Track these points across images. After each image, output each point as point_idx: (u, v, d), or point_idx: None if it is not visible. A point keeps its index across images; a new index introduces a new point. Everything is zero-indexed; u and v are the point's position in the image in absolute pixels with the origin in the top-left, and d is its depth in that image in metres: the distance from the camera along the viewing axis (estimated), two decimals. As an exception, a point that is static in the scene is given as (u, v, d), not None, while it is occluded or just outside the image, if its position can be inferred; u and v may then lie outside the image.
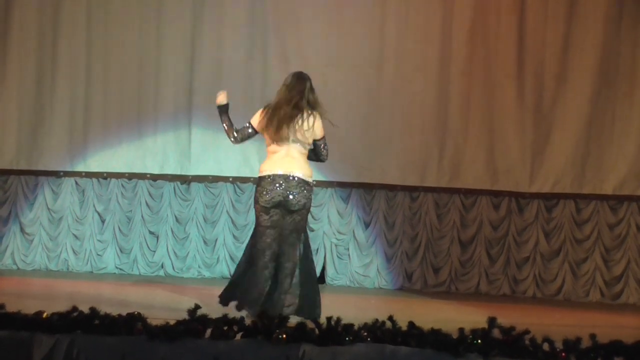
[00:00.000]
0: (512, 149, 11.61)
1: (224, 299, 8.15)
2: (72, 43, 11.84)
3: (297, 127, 8.04)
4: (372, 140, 11.63)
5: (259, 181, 8.14)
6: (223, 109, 8.39)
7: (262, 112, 8.20)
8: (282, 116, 8.04)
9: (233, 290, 8.19)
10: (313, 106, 8.15)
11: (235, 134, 8.31)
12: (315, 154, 8.34)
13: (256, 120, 8.24)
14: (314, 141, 8.21)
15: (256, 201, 8.11)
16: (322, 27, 11.70)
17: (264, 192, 8.05)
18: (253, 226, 11.22)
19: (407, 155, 11.68)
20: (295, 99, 8.08)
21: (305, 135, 8.09)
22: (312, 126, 8.08)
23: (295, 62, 11.53)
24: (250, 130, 8.28)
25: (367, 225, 11.84)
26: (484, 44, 11.64)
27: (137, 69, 11.82)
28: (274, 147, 8.15)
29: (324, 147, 8.29)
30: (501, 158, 11.64)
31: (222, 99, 8.41)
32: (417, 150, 11.68)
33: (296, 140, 8.10)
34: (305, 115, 8.08)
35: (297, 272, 8.08)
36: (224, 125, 8.36)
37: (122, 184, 11.94)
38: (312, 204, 8.40)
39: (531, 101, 11.60)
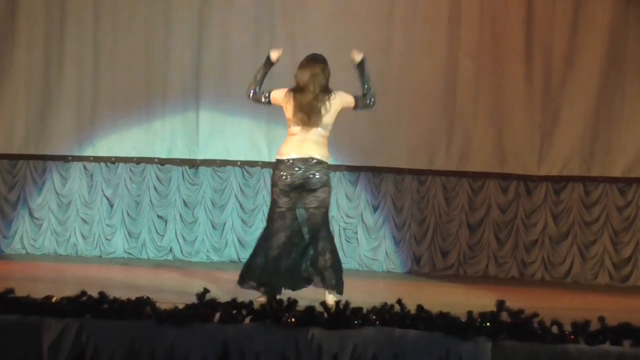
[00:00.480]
0: (521, 132, 11.59)
1: (241, 281, 8.14)
2: (80, 28, 11.84)
3: (321, 113, 8.01)
4: (381, 124, 11.61)
5: (277, 164, 8.08)
6: (267, 63, 8.30)
7: (287, 93, 8.11)
8: (305, 105, 7.99)
9: (249, 272, 8.15)
10: (325, 89, 8.09)
11: (255, 90, 8.23)
12: (363, 107, 8.26)
13: (277, 95, 8.16)
14: (355, 104, 8.16)
15: (274, 184, 8.07)
16: (329, 11, 11.68)
17: (284, 177, 8.00)
18: (262, 210, 11.32)
19: (416, 139, 11.67)
20: (311, 87, 8.03)
21: (325, 118, 8.05)
22: (330, 109, 8.04)
23: (303, 47, 11.48)
24: (264, 99, 8.21)
25: (375, 208, 11.84)
26: (492, 27, 11.61)
27: (145, 53, 11.82)
28: (294, 129, 8.08)
29: (364, 97, 8.20)
30: (509, 141, 11.62)
31: (275, 55, 8.31)
32: (426, 134, 11.67)
33: (318, 125, 8.07)
34: (323, 100, 8.04)
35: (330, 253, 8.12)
36: (255, 76, 8.27)
37: (130, 169, 11.95)
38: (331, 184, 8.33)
39: (539, 84, 11.58)
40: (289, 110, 8.06)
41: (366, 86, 8.22)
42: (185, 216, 11.91)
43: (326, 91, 8.06)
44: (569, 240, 11.58)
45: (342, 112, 8.21)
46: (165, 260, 11.77)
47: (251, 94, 8.23)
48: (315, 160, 8.01)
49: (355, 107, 8.20)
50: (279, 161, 8.07)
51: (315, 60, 8.17)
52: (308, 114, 7.98)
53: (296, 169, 7.99)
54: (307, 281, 8.13)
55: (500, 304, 6.01)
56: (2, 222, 11.93)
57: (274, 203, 8.12)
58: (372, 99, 8.24)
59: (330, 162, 11.31)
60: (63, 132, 11.86)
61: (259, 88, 8.22)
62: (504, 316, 5.98)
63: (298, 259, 8.09)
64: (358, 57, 8.22)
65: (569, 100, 11.54)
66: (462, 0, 11.63)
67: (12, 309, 6.10)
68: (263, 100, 8.21)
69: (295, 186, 8.00)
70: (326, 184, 8.09)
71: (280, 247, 8.02)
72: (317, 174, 8.01)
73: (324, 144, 8.11)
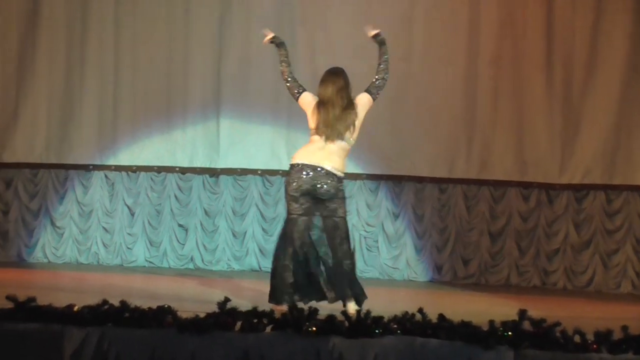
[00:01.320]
0: (542, 140, 11.57)
1: (274, 300, 8.05)
2: (101, 37, 11.89)
3: (347, 129, 8.03)
4: (401, 132, 11.61)
5: (289, 169, 8.08)
6: (275, 42, 8.39)
7: (316, 104, 8.10)
8: (331, 120, 7.98)
9: (277, 291, 8.08)
10: (350, 102, 8.10)
11: (288, 78, 8.25)
12: (379, 91, 8.28)
13: (306, 100, 8.18)
14: (373, 98, 8.21)
15: (285, 190, 8.07)
16: (349, 20, 11.67)
17: (292, 181, 7.98)
18: (283, 218, 11.35)
19: (436, 147, 11.66)
20: (338, 101, 8.03)
21: (349, 130, 8.05)
22: (353, 121, 8.05)
23: (323, 55, 11.54)
24: (295, 94, 8.22)
25: (396, 217, 11.83)
26: (512, 35, 11.59)
27: (166, 62, 11.85)
28: (315, 137, 8.07)
29: (379, 78, 8.24)
30: (530, 149, 11.59)
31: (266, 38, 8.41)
32: (446, 142, 11.66)
33: (342, 137, 8.06)
34: (349, 115, 8.05)
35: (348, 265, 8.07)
36: (280, 61, 8.35)
37: (151, 177, 11.98)
38: (345, 195, 8.26)
39: (560, 92, 11.55)
40: (313, 121, 8.06)
41: (386, 57, 8.29)
42: (206, 225, 11.93)
43: (351, 104, 8.04)
44: (591, 249, 11.54)
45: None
46: (186, 269, 11.79)
47: (286, 80, 8.26)
48: (324, 171, 7.95)
49: (374, 100, 8.20)
50: (291, 166, 8.07)
51: (337, 74, 8.16)
52: (332, 129, 7.97)
53: (304, 174, 7.95)
54: (323, 296, 8.03)
55: (522, 313, 5.99)
56: (24, 231, 11.98)
57: (287, 210, 8.11)
58: (387, 74, 8.28)
59: (351, 170, 11.44)
60: (84, 141, 11.91)
61: (291, 75, 8.27)
62: (526, 325, 5.96)
63: (314, 268, 8.04)
64: (373, 31, 8.24)
65: (590, 108, 11.50)
66: (482, 9, 11.61)
67: (34, 317, 6.11)
68: (295, 93, 8.22)
69: (303, 192, 7.94)
70: (335, 196, 8.01)
71: (293, 258, 7.98)
72: (324, 185, 7.95)
73: (341, 156, 8.05)
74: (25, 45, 11.91)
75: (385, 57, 8.28)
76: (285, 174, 11.48)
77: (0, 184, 12.02)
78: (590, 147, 11.51)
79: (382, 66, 8.25)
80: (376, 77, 8.22)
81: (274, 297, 7.91)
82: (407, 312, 6.15)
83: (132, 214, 11.99)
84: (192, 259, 11.91)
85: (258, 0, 11.76)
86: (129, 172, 11.99)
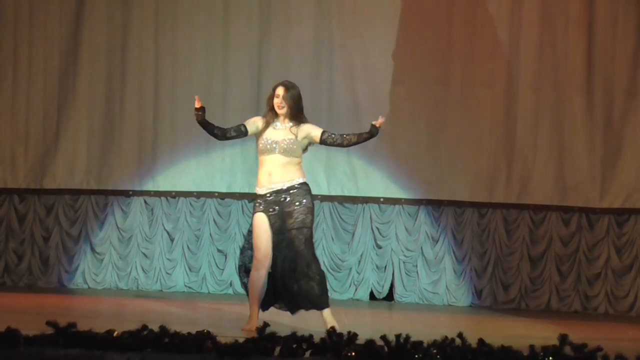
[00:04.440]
0: (582, 165, 11.50)
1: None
2: (141, 63, 11.96)
3: None
4: (439, 156, 11.59)
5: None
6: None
7: None
8: None
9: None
10: None
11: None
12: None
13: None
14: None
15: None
16: (387, 45, 11.69)
17: None
18: (320, 243, 11.38)
19: (475, 172, 11.62)
20: None
21: None
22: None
23: (361, 79, 11.56)
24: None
25: (435, 242, 11.79)
26: (552, 59, 11.55)
27: (205, 87, 11.88)
28: None
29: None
30: (571, 174, 11.53)
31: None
32: (485, 166, 11.62)
33: None
34: None
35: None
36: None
37: (190, 203, 12.02)
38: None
39: (601, 116, 11.49)
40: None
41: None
42: (245, 250, 11.94)
43: None
44: (632, 273, 11.45)
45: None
46: (225, 294, 11.80)
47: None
48: None
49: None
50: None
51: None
52: None
53: None
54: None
55: (563, 338, 5.95)
56: (64, 256, 12.04)
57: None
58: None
59: (390, 195, 11.51)
60: (124, 167, 11.97)
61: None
62: (567, 350, 5.91)
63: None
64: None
65: (631, 132, 11.44)
66: (522, 32, 11.58)
67: (75, 343, 6.14)
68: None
69: None
70: None
71: None
72: None
73: None
74: (67, 71, 12.01)
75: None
76: (323, 198, 11.54)
77: (41, 209, 12.11)
78: (631, 170, 11.43)
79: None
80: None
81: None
82: (446, 337, 6.12)
83: (172, 240, 12.03)
84: (231, 284, 11.92)
85: (297, 25, 11.79)
86: (168, 198, 12.03)
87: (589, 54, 11.51)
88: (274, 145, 8.19)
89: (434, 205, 11.78)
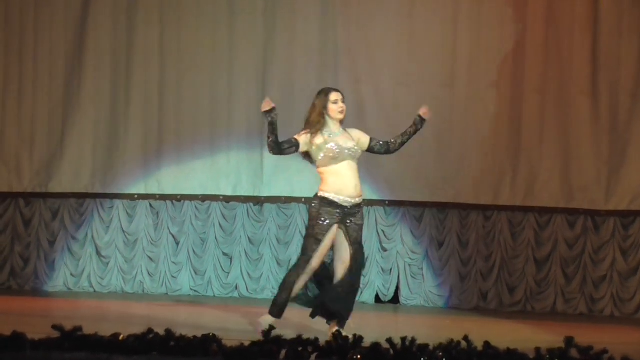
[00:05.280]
0: (588, 167, 11.49)
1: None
2: (146, 66, 11.98)
3: None
4: (445, 159, 11.58)
5: None
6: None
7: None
8: None
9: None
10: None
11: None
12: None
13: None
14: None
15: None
16: (392, 47, 11.69)
17: None
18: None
19: (481, 174, 11.61)
20: None
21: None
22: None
23: (367, 83, 11.56)
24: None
25: (440, 244, 11.78)
26: (558, 61, 11.54)
27: (210, 91, 11.92)
28: None
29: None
30: (576, 176, 11.52)
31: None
32: (491, 169, 11.61)
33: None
34: None
35: None
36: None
37: (195, 206, 12.02)
38: (309, 219, 8.32)
39: (606, 119, 11.48)
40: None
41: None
42: (251, 253, 11.95)
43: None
44: (638, 276, 11.43)
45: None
46: (230, 297, 11.81)
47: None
48: None
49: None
50: None
51: None
52: None
53: None
54: None
55: (569, 341, 5.95)
56: (70, 260, 12.05)
57: None
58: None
59: (395, 197, 11.50)
60: (129, 171, 11.98)
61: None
62: (573, 353, 5.91)
63: None
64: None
65: (636, 134, 11.43)
66: (527, 34, 11.57)
67: (81, 346, 6.14)
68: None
69: None
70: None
71: None
72: None
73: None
74: (71, 76, 12.03)
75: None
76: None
77: (47, 213, 12.13)
78: (636, 173, 11.41)
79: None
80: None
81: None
82: (452, 340, 6.12)
83: (177, 243, 12.04)
84: (236, 287, 11.93)
85: (302, 28, 11.80)
86: (174, 201, 12.04)
87: (595, 56, 11.50)
88: (345, 152, 8.10)
89: (439, 208, 11.77)
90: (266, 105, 8.15)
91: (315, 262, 8.09)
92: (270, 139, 8.09)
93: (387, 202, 11.69)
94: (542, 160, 11.55)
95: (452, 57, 11.65)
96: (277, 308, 8.09)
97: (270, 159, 11.76)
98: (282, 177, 11.81)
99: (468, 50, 11.64)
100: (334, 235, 8.09)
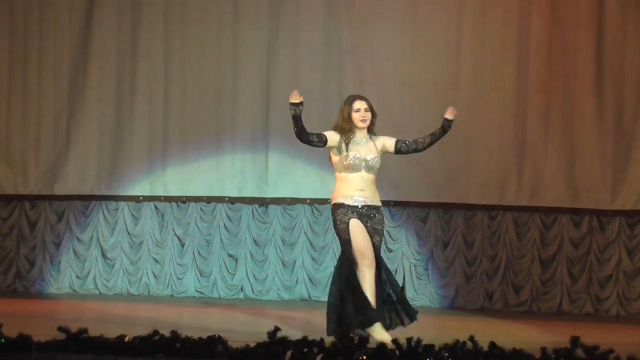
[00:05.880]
0: (593, 167, 11.48)
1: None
2: (150, 69, 11.99)
3: None
4: (450, 159, 11.57)
5: None
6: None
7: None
8: None
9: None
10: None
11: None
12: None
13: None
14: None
15: None
16: (397, 48, 11.70)
17: None
18: (332, 247, 11.37)
19: (486, 175, 11.60)
20: None
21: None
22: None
23: (371, 84, 11.55)
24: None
25: (446, 245, 11.78)
26: (562, 61, 11.54)
27: (215, 93, 11.93)
28: None
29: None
30: (582, 176, 11.51)
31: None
32: (496, 169, 11.61)
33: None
34: None
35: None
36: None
37: (200, 208, 12.03)
38: (333, 223, 8.19)
39: (611, 118, 11.47)
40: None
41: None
42: (256, 254, 11.95)
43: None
44: (644, 275, 11.44)
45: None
46: (236, 298, 11.81)
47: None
48: None
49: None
50: None
51: None
52: None
53: None
54: None
55: (575, 340, 5.93)
56: (75, 262, 12.06)
57: None
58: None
59: (400, 198, 11.49)
60: (134, 172, 11.99)
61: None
62: (579, 353, 5.90)
63: None
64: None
65: (642, 133, 11.44)
66: (531, 35, 11.56)
67: (86, 348, 6.14)
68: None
69: None
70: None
71: None
72: None
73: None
74: (76, 78, 12.05)
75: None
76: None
77: (52, 215, 12.14)
78: (642, 172, 11.43)
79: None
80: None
81: None
82: (458, 341, 6.11)
83: (182, 245, 12.05)
84: (242, 288, 11.93)
85: (306, 30, 11.80)
86: (179, 203, 12.05)
87: (599, 56, 11.49)
88: (362, 163, 8.04)
89: (445, 209, 11.77)
90: (295, 97, 8.04)
91: (363, 255, 7.90)
92: (295, 130, 8.04)
93: (392, 203, 11.67)
94: (547, 160, 11.54)
95: (456, 58, 11.65)
96: (369, 313, 7.86)
97: (275, 160, 11.79)
98: (287, 179, 11.82)
99: (473, 51, 11.63)
100: (359, 224, 7.99)
